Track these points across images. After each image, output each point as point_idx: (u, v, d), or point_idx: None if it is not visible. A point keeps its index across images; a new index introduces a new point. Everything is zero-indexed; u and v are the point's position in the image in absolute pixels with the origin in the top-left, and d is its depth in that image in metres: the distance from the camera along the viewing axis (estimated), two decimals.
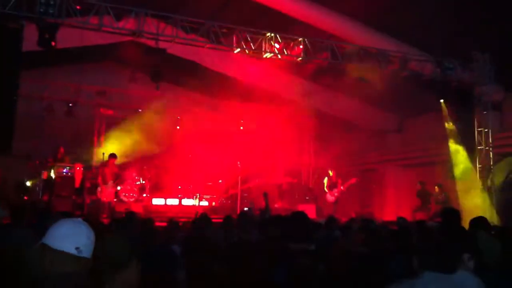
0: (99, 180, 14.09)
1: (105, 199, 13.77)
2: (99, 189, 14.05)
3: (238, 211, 14.28)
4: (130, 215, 7.11)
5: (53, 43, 10.70)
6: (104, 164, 14.57)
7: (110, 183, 13.97)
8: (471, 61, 13.48)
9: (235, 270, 4.92)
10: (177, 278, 4.73)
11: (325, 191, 15.85)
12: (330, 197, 15.66)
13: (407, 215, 13.37)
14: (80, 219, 2.67)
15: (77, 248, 2.43)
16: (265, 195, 13.22)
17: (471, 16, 11.66)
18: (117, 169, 14.47)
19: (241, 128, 19.21)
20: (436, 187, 14.25)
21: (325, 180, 16.01)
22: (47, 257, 2.40)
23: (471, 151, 13.82)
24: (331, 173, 15.94)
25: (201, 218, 7.08)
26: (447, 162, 13.98)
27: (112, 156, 14.56)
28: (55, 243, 2.43)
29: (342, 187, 15.55)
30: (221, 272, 4.96)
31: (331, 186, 15.74)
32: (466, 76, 13.58)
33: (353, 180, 15.65)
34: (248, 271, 4.79)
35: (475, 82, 13.65)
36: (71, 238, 2.45)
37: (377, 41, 13.49)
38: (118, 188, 14.72)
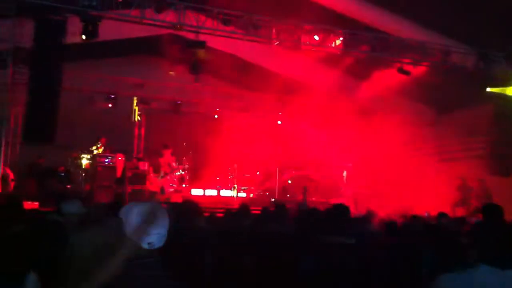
0: (150, 169, 14.46)
1: (151, 188, 14.12)
2: (148, 177, 14.43)
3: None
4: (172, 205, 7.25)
5: (95, 36, 10.94)
6: (159, 154, 14.95)
7: (162, 173, 14.42)
8: None
9: (263, 262, 4.95)
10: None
11: (344, 184, 15.82)
12: (348, 191, 15.54)
13: (447, 210, 13.13)
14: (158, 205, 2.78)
15: (149, 244, 2.58)
16: (305, 189, 13.26)
17: None
18: (173, 160, 14.89)
19: (279, 122, 19.20)
20: (477, 181, 13.97)
21: (344, 174, 15.91)
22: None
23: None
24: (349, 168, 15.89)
25: (240, 210, 7.13)
26: (486, 157, 13.71)
27: (166, 146, 14.90)
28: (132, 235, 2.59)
29: (358, 183, 15.46)
30: (249, 263, 5.00)
31: (349, 180, 15.62)
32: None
33: (370, 175, 15.47)
34: (276, 263, 4.82)
35: None
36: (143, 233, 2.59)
37: (417, 33, 13.27)
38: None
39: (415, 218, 7.21)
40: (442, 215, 7.67)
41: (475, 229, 2.96)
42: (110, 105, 17.52)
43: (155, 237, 2.59)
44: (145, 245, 2.56)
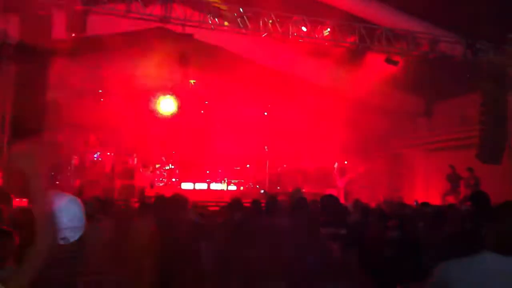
0: (139, 164, 14.44)
1: (139, 183, 14.09)
2: (136, 173, 14.40)
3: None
4: (160, 198, 7.17)
5: (82, 31, 10.86)
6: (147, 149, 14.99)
7: (151, 168, 14.40)
8: (506, 43, 13.09)
9: (264, 255, 4.93)
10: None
11: (335, 175, 15.90)
12: (339, 183, 15.60)
13: (437, 198, 13.24)
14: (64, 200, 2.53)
15: (63, 239, 2.38)
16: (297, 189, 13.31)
17: None
18: (160, 155, 14.92)
19: (265, 113, 19.15)
20: (467, 171, 14.04)
21: (335, 166, 15.97)
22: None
23: (503, 133, 13.53)
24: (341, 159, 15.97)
25: (233, 203, 7.08)
26: (476, 146, 13.73)
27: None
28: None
29: (351, 174, 15.53)
30: (249, 257, 4.98)
31: (341, 172, 15.68)
32: (499, 59, 13.21)
33: (361, 169, 15.55)
34: (278, 256, 4.81)
35: (509, 65, 13.26)
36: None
37: (405, 22, 13.26)
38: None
39: (403, 205, 7.27)
40: (425, 204, 7.76)
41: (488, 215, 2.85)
42: (99, 101, 17.41)
43: (68, 231, 2.41)
44: (58, 240, 2.33)
